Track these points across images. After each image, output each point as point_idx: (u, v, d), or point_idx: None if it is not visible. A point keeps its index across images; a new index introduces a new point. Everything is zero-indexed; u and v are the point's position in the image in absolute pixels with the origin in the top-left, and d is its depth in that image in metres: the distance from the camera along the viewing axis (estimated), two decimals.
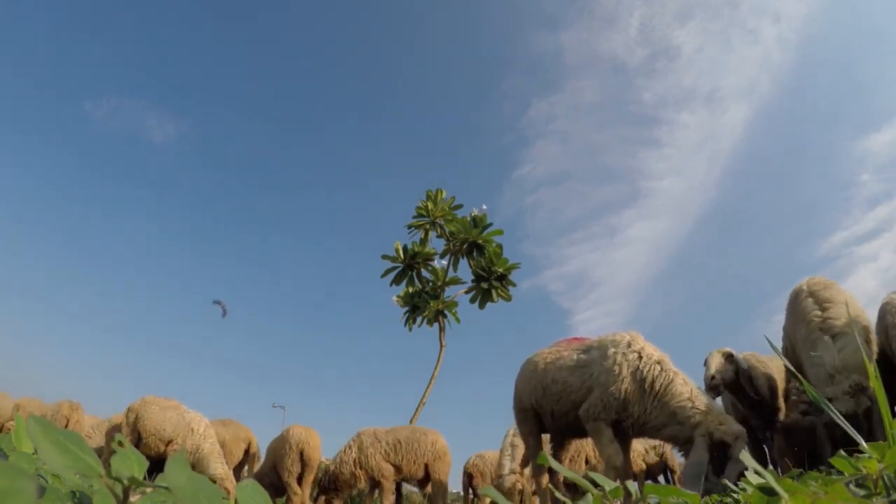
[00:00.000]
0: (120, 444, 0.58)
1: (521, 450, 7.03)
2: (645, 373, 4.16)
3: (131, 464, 0.55)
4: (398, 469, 7.38)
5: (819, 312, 4.24)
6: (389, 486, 7.28)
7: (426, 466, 7.43)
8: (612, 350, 4.38)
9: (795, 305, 4.55)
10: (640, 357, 4.25)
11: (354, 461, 7.35)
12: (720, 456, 3.76)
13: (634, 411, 4.14)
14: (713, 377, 4.86)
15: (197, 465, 6.96)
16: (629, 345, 4.40)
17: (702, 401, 3.98)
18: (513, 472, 6.97)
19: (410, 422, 12.58)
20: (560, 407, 4.70)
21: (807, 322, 4.25)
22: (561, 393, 4.67)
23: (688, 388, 4.06)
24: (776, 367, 5.24)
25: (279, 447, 7.62)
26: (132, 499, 0.52)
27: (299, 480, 7.52)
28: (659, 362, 4.22)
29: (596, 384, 4.37)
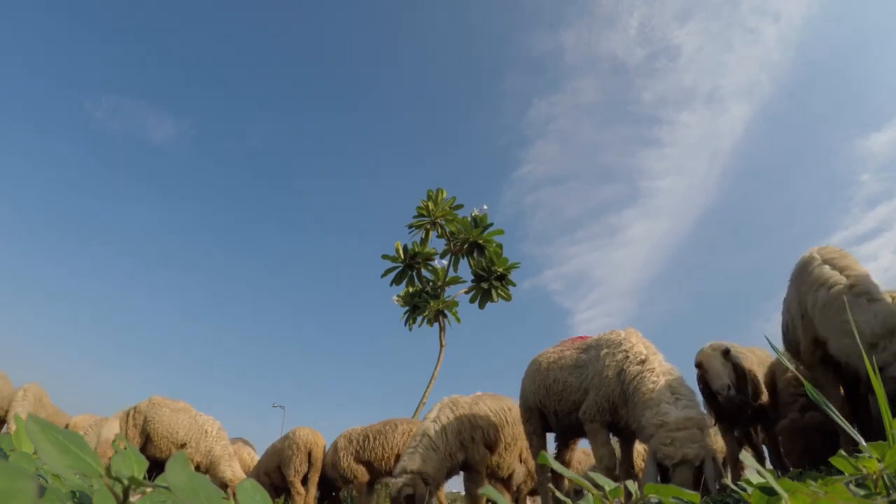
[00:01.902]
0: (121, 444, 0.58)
1: (433, 442, 5.28)
2: (626, 374, 3.99)
3: (131, 464, 0.55)
4: (369, 465, 7.16)
5: (841, 277, 3.57)
6: (361, 486, 7.17)
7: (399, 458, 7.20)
8: (605, 351, 4.27)
9: (806, 275, 3.84)
10: (627, 357, 4.07)
11: (330, 464, 7.41)
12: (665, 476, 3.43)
13: (624, 414, 3.99)
14: (728, 387, 4.15)
15: (209, 468, 6.99)
16: (619, 344, 4.22)
17: (664, 409, 3.60)
18: (404, 471, 5.09)
19: None
20: (562, 407, 4.66)
21: (828, 287, 3.57)
22: (562, 393, 4.62)
23: (657, 393, 3.71)
24: (757, 359, 4.87)
25: (285, 448, 7.68)
26: (132, 499, 0.52)
27: (304, 481, 7.57)
28: (641, 362, 3.98)
29: (591, 386, 4.28)
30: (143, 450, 7.04)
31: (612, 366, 4.11)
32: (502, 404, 5.87)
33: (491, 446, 5.66)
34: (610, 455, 4.11)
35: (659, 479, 3.44)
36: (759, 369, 4.86)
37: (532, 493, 9.11)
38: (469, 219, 14.26)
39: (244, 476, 7.32)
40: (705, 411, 4.56)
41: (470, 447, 5.49)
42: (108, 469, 0.50)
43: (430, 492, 5.20)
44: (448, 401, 5.74)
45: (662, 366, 3.97)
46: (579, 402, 4.41)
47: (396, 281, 14.86)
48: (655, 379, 3.84)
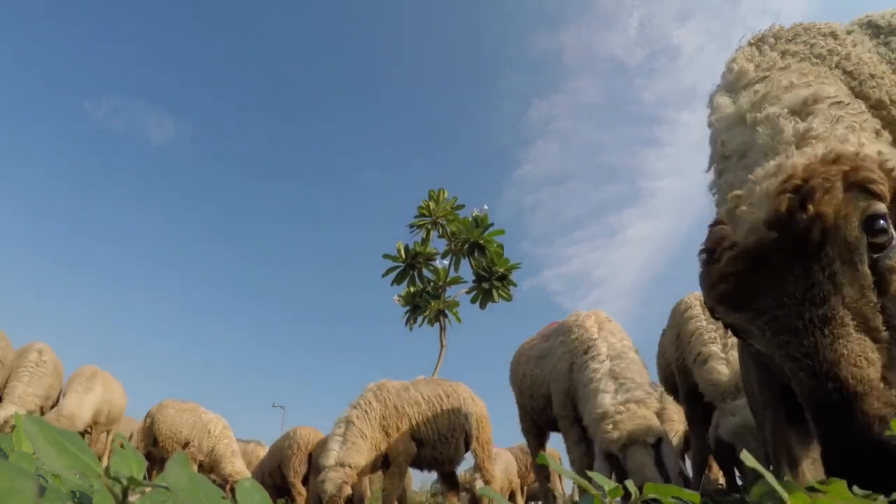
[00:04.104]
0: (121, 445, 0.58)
1: (360, 430, 4.71)
2: (574, 365, 3.59)
3: (130, 463, 0.55)
4: None
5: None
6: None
7: None
8: (560, 339, 3.87)
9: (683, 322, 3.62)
10: (577, 346, 3.64)
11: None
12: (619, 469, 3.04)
13: (583, 408, 3.50)
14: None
15: (213, 466, 7.06)
16: (571, 331, 3.77)
17: (600, 399, 3.21)
18: (340, 463, 4.48)
19: None
20: (535, 403, 4.27)
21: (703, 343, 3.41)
22: (532, 387, 4.24)
23: (596, 383, 3.31)
24: None
25: (284, 448, 7.64)
26: (131, 498, 0.52)
27: (304, 481, 7.54)
28: (587, 350, 3.54)
29: (551, 379, 3.90)
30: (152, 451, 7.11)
31: (565, 357, 3.73)
32: (438, 390, 5.28)
33: (421, 439, 5.03)
34: (582, 456, 3.72)
35: (613, 475, 3.07)
36: None
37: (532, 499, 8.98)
38: (470, 219, 14.27)
39: (246, 472, 7.32)
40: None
41: (394, 437, 4.86)
42: (107, 469, 0.50)
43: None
44: (374, 385, 5.18)
45: (611, 349, 3.51)
46: (548, 395, 4.00)
47: (397, 281, 14.86)
48: (596, 367, 3.41)
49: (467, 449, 5.40)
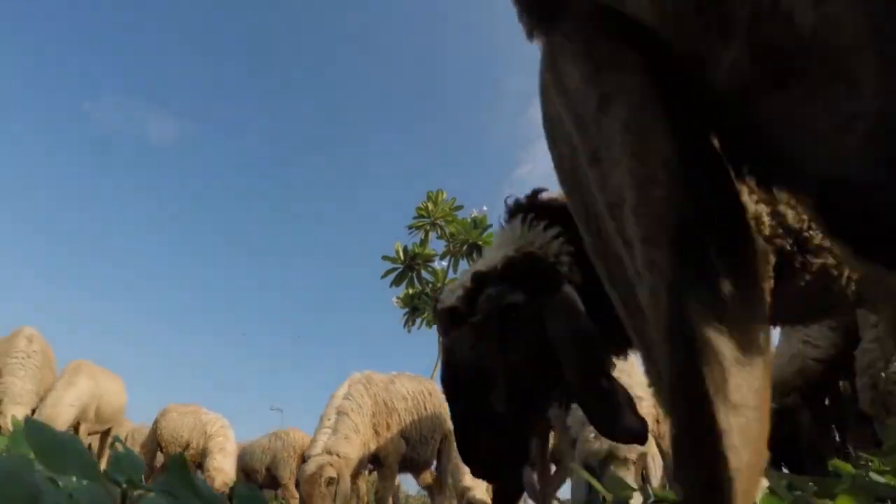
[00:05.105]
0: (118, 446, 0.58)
1: (354, 424, 4.45)
2: None
3: (129, 466, 0.55)
4: None
5: None
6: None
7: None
8: None
9: None
10: None
11: None
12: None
13: None
14: None
15: (202, 463, 7.10)
16: None
17: None
18: (327, 451, 4.23)
19: None
20: None
21: None
22: None
23: None
24: None
25: (279, 449, 7.66)
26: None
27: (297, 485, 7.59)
28: None
29: None
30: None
31: None
32: (422, 387, 5.13)
33: (407, 438, 4.83)
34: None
35: (587, 492, 2.78)
36: None
37: None
38: (469, 220, 14.29)
39: (227, 470, 7.29)
40: None
41: (384, 435, 4.63)
42: (105, 472, 0.51)
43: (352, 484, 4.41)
44: (361, 377, 4.84)
45: None
46: None
47: (396, 282, 14.88)
48: None
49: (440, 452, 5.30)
